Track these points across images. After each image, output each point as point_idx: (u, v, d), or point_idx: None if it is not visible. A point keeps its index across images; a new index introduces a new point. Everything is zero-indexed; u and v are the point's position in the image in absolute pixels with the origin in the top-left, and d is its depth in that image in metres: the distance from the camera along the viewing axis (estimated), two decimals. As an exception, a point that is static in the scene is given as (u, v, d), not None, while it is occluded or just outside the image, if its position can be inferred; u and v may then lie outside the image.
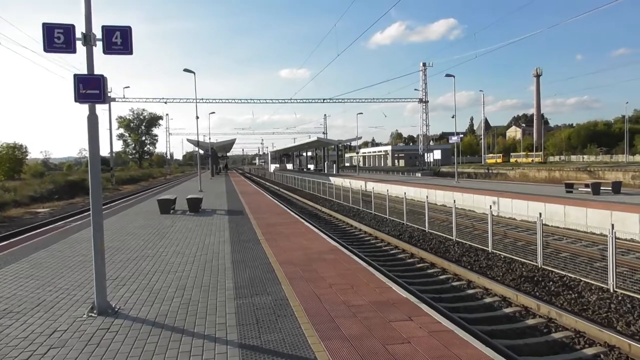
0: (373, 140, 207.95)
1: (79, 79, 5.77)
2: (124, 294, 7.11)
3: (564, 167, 56.74)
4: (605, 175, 46.50)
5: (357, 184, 38.51)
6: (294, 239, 12.00)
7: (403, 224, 19.80)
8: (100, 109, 70.01)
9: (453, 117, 51.90)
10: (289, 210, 19.70)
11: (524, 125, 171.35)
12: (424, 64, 68.44)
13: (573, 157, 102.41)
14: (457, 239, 15.67)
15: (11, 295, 7.32)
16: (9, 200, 33.33)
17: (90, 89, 5.77)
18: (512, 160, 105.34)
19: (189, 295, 6.96)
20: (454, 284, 10.96)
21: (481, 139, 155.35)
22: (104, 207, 29.02)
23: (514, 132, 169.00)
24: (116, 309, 6.30)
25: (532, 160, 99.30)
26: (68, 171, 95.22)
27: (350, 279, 7.76)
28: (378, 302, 6.44)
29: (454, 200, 16.60)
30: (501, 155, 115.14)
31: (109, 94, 63.48)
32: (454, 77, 35.09)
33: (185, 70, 31.89)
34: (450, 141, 42.17)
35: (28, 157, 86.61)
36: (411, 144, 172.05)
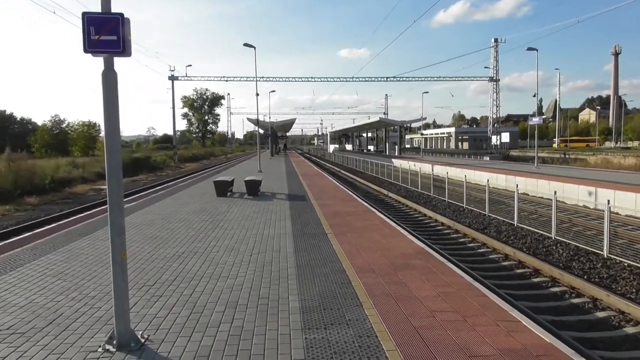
0: (434, 121, 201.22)
1: (89, 20, 4.01)
2: (158, 313, 5.43)
3: (655, 153, 51.35)
4: None
5: (423, 167, 35.92)
6: (367, 234, 10.06)
7: (484, 215, 17.38)
8: (165, 88, 70.92)
9: (534, 96, 47.91)
10: (355, 197, 17.75)
11: (598, 107, 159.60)
12: (496, 40, 63.71)
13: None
14: (556, 237, 13.19)
15: (27, 304, 5.86)
16: (77, 176, 33.48)
17: (105, 33, 4.01)
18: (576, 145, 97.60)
19: (241, 320, 5.17)
20: (601, 314, 8.26)
21: (550, 121, 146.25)
22: (164, 185, 28.45)
23: (588, 115, 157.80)
24: (142, 340, 4.59)
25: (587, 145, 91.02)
26: (136, 148, 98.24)
27: (456, 303, 5.72)
28: (513, 350, 4.38)
29: (555, 192, 14.04)
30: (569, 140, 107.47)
31: (172, 73, 63.79)
32: (536, 50, 31.60)
33: (245, 44, 30.41)
34: (530, 122, 38.59)
35: (101, 135, 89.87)
36: (474, 125, 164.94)
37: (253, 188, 17.19)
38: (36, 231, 12.04)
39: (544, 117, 35.93)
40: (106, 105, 4.23)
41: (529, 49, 31.08)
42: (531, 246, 12.75)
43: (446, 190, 21.78)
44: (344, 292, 6.14)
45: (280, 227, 10.88)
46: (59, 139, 64.48)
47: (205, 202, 15.61)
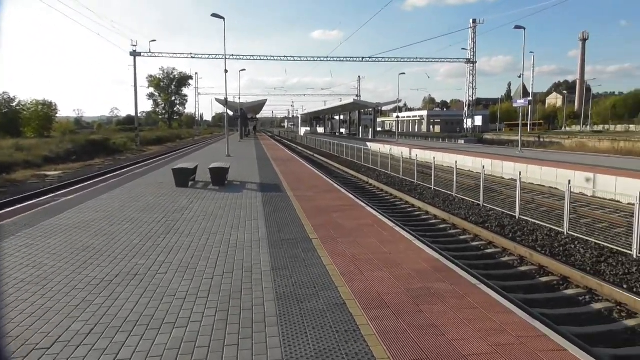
0: (405, 105, 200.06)
1: None
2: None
3: (629, 137, 50.88)
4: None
5: (399, 151, 34.01)
6: (362, 240, 7.96)
7: (478, 204, 15.55)
8: (127, 64, 66.75)
9: (519, 76, 46.36)
10: (337, 186, 15.60)
11: (565, 92, 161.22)
12: (474, 21, 62.12)
13: (619, 127, 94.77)
14: (570, 232, 11.41)
15: None
16: (20, 160, 30.24)
17: None
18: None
19: None
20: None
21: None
22: (119, 171, 25.64)
23: (555, 100, 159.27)
24: None
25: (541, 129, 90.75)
26: (98, 130, 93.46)
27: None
28: None
29: (569, 181, 12.20)
30: (539, 123, 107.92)
31: (135, 48, 59.81)
32: (524, 29, 29.87)
33: (214, 15, 27.58)
34: (515, 104, 37.12)
35: (60, 116, 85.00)
36: (444, 109, 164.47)
37: (219, 177, 14.84)
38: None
39: (529, 99, 34.44)
40: None
41: (517, 27, 29.34)
42: (543, 243, 10.95)
43: (432, 177, 19.92)
44: (354, 350, 4.01)
45: (251, 230, 8.65)
46: (9, 118, 59.81)
47: (161, 194, 13.19)
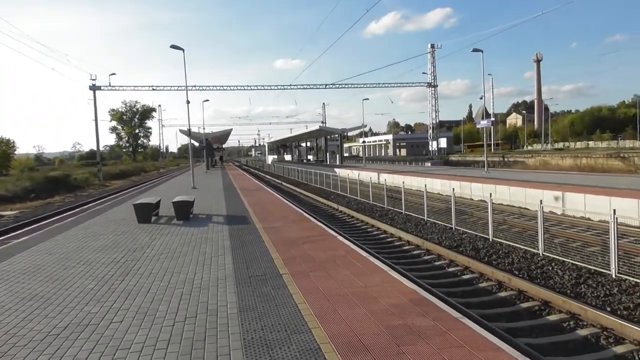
0: (370, 129, 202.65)
1: None
2: None
3: (590, 153, 52.36)
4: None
5: (367, 175, 33.89)
6: (335, 272, 7.52)
7: (451, 228, 15.36)
8: (87, 99, 65.34)
9: (481, 98, 47.37)
10: (308, 216, 15.15)
11: (524, 112, 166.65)
12: (432, 46, 63.61)
13: (578, 144, 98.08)
14: (544, 254, 11.27)
15: None
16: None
17: None
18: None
19: None
20: None
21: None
22: (79, 209, 24.57)
23: (515, 119, 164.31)
24: None
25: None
26: (59, 166, 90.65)
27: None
28: None
29: (540, 202, 12.11)
30: (502, 142, 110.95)
31: (94, 82, 58.67)
32: (482, 52, 30.56)
33: (173, 46, 27.17)
34: (478, 125, 37.72)
35: (20, 152, 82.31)
36: (409, 132, 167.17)
37: (183, 211, 14.20)
38: None
39: (492, 120, 35.08)
40: None
41: (475, 50, 29.98)
42: (524, 267, 10.72)
43: (403, 201, 19.72)
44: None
45: (217, 267, 8.10)
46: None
47: (121, 232, 12.47)
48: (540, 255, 11.35)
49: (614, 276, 9.31)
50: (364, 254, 8.98)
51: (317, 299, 6.16)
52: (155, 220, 14.29)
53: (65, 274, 8.02)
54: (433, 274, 10.69)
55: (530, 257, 11.39)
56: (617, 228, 9.41)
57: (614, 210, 9.65)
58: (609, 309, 7.95)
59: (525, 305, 8.36)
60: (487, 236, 13.58)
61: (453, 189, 16.89)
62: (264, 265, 8.15)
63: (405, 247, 13.56)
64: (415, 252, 12.85)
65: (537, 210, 16.78)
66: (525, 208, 18.33)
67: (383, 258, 10.42)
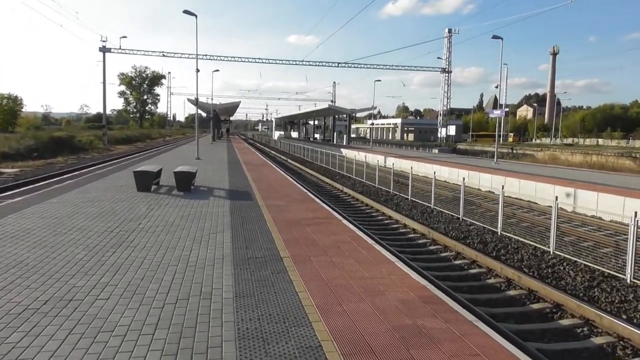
0: (379, 112, 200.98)
1: None
2: None
3: (600, 151, 51.50)
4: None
5: (374, 158, 33.35)
6: (339, 260, 7.08)
7: (457, 218, 14.92)
8: (96, 61, 64.47)
9: (496, 87, 46.50)
10: (311, 195, 14.70)
11: (535, 104, 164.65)
12: (450, 31, 62.24)
13: (587, 141, 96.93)
14: (556, 252, 10.82)
15: None
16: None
17: None
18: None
19: None
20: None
21: (488, 116, 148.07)
22: (80, 171, 24.19)
23: (525, 112, 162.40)
24: None
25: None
26: (65, 127, 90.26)
27: None
28: None
29: (556, 198, 11.61)
30: (512, 134, 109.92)
31: (104, 44, 57.79)
32: (501, 39, 29.69)
33: (185, 12, 26.44)
34: (491, 115, 37.01)
35: (27, 110, 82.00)
36: (418, 117, 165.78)
37: (185, 182, 13.76)
38: None
39: (506, 110, 34.34)
40: None
41: (494, 37, 29.09)
42: (531, 264, 10.27)
43: (409, 187, 19.24)
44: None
45: (215, 245, 7.68)
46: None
47: (119, 199, 12.07)
48: (551, 253, 10.91)
49: (629, 281, 8.87)
50: (369, 241, 8.53)
51: (319, 288, 5.74)
52: (155, 190, 13.87)
53: (55, 240, 7.61)
54: (439, 266, 10.27)
55: (541, 254, 10.94)
56: (636, 231, 8.94)
57: (635, 213, 9.14)
58: (624, 316, 7.53)
59: (536, 306, 7.93)
60: (495, 229, 13.14)
61: (463, 178, 16.39)
62: (265, 246, 7.72)
63: (410, 235, 13.13)
64: (420, 241, 12.41)
65: (547, 206, 16.40)
66: (534, 202, 17.86)
67: (390, 247, 9.96)
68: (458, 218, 14.99)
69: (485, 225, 13.65)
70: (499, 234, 12.87)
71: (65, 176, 19.52)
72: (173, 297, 5.29)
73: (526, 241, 11.91)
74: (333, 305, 5.19)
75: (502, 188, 13.56)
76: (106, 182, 15.49)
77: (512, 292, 8.62)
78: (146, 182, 13.47)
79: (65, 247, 7.20)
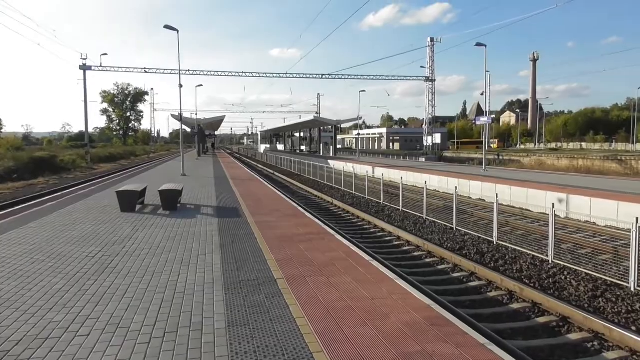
0: (364, 122, 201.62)
1: None
2: None
3: (586, 155, 51.88)
4: None
5: (362, 169, 33.09)
6: (336, 279, 6.70)
7: (451, 228, 14.65)
8: (77, 79, 63.72)
9: (482, 94, 46.69)
10: (302, 210, 14.30)
11: (518, 110, 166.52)
12: (432, 39, 62.60)
13: (571, 145, 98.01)
14: (555, 260, 10.57)
15: None
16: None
17: None
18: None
19: None
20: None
21: (474, 123, 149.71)
22: (61, 192, 23.48)
23: (508, 118, 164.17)
24: None
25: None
26: (47, 146, 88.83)
27: None
28: None
29: (553, 205, 11.39)
30: (496, 140, 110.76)
31: (85, 62, 57.06)
32: (485, 46, 29.76)
33: (167, 27, 26.07)
34: (477, 122, 37.04)
35: (8, 131, 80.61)
36: (402, 127, 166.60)
37: (171, 201, 13.29)
38: None
39: (492, 117, 34.35)
40: None
41: (478, 44, 29.14)
42: (531, 275, 9.98)
43: (400, 198, 18.95)
44: None
45: (204, 268, 7.24)
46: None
47: (102, 220, 11.56)
48: (550, 262, 10.65)
49: (632, 289, 8.62)
50: (366, 257, 8.16)
51: (317, 313, 5.35)
52: (139, 210, 13.38)
53: (32, 269, 7.12)
54: (437, 280, 9.93)
55: (540, 263, 10.67)
56: (638, 238, 8.70)
57: (637, 219, 8.91)
58: (634, 328, 7.24)
59: (541, 320, 7.61)
60: (490, 239, 12.88)
61: (456, 188, 16.17)
62: (257, 267, 7.31)
63: (405, 248, 12.79)
64: (416, 254, 12.08)
65: (539, 212, 16.24)
66: (527, 209, 17.69)
67: (389, 264, 9.60)
68: (452, 228, 14.71)
69: (480, 235, 13.38)
70: (494, 243, 12.61)
71: (45, 198, 18.89)
72: (160, 330, 4.85)
73: (524, 250, 11.65)
74: (334, 332, 4.80)
75: (497, 197, 13.32)
76: (88, 203, 14.95)
77: (515, 306, 8.29)
78: (130, 202, 12.98)
79: (43, 277, 6.72)
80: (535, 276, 9.90)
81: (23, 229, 10.42)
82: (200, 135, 58.56)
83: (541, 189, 18.59)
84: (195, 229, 10.51)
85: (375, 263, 7.72)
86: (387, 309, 5.50)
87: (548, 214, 16.31)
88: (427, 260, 11.52)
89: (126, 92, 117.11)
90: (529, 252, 11.43)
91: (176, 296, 5.92)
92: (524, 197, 18.95)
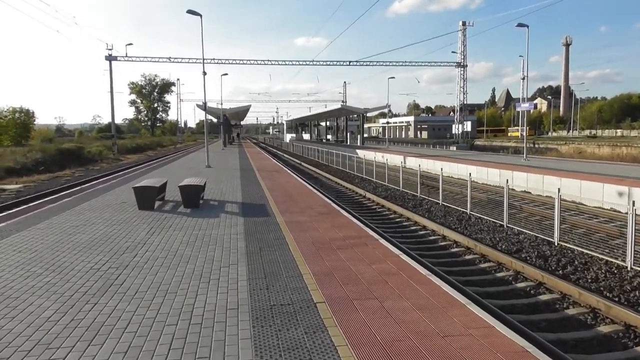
0: (390, 110, 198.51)
1: None
2: None
3: (630, 142, 48.97)
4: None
5: (393, 159, 31.52)
6: (392, 305, 5.33)
7: (501, 226, 13.13)
8: (103, 69, 63.43)
9: (523, 78, 44.42)
10: (336, 206, 12.93)
11: (550, 97, 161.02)
12: (464, 23, 60.06)
13: (606, 132, 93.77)
14: (634, 267, 9.01)
15: None
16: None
17: None
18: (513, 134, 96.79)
19: None
20: None
21: (503, 110, 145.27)
22: (82, 184, 22.74)
23: (540, 105, 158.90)
24: None
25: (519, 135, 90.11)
26: (78, 138, 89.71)
27: None
28: None
29: (633, 202, 9.76)
30: (527, 128, 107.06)
31: (110, 52, 56.66)
32: (527, 27, 27.71)
33: (189, 11, 24.89)
34: (518, 108, 34.99)
35: (41, 123, 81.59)
36: (429, 115, 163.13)
37: (192, 197, 12.07)
38: None
39: (534, 103, 32.29)
40: None
41: (519, 24, 27.11)
42: (611, 286, 8.43)
43: (440, 190, 17.45)
44: None
45: (227, 287, 5.95)
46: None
47: (117, 220, 10.41)
48: (629, 269, 9.08)
49: None
50: (421, 270, 6.74)
51: (375, 358, 3.99)
52: (159, 207, 12.22)
53: (23, 287, 5.95)
54: (498, 291, 8.47)
55: (617, 271, 9.11)
56: None
57: None
58: None
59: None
60: (550, 239, 11.33)
61: (507, 181, 14.55)
62: (291, 284, 5.98)
63: (453, 250, 11.33)
64: (467, 257, 10.61)
65: (596, 207, 14.55)
66: (580, 203, 15.98)
67: (455, 281, 8.13)
68: (501, 225, 13.19)
69: (536, 234, 11.83)
70: (556, 244, 11.05)
71: (66, 192, 18.03)
72: (166, 389, 3.57)
73: (594, 254, 10.07)
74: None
75: (559, 191, 11.69)
76: (106, 199, 13.89)
77: (603, 329, 6.79)
78: (148, 198, 11.82)
79: (33, 299, 5.53)
80: (617, 287, 8.37)
81: (28, 231, 9.34)
82: (226, 125, 57.60)
83: (594, 181, 16.81)
84: (218, 231, 9.25)
85: (435, 279, 6.30)
86: (467, 353, 4.10)
87: (606, 209, 14.79)
88: (482, 265, 10.05)
89: (153, 83, 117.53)
90: (600, 255, 9.87)
91: (191, 329, 4.64)
92: (576, 189, 17.21)
